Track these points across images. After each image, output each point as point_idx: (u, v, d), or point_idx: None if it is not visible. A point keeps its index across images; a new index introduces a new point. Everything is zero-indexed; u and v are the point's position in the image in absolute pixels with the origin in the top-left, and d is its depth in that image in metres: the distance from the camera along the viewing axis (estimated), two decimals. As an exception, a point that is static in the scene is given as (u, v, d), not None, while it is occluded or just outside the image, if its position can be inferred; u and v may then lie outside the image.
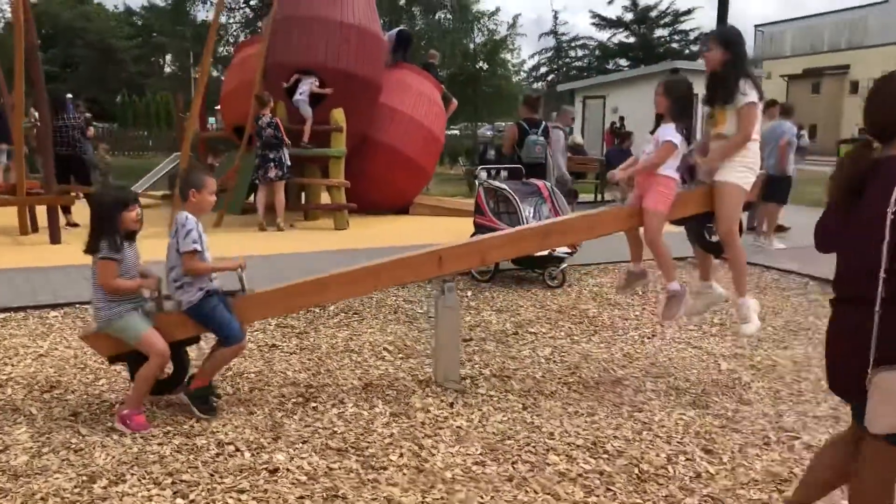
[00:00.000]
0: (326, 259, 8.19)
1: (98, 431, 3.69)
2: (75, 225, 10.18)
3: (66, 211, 10.23)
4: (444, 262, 4.18)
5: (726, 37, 4.27)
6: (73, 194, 10.25)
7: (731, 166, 4.21)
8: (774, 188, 9.34)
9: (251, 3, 22.53)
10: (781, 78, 47.07)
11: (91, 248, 3.78)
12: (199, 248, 3.83)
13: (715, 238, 4.47)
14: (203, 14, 26.12)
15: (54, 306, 6.06)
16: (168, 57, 56.94)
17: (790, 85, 50.16)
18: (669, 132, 4.21)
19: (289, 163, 10.28)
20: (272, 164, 10.11)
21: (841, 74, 50.86)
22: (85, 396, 4.18)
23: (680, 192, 4.28)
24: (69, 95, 12.11)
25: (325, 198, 12.02)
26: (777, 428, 3.89)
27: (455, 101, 14.01)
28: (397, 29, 12.58)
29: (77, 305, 6.06)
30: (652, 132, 4.39)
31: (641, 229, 4.36)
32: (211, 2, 24.46)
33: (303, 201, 12.03)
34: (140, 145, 27.23)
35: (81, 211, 10.30)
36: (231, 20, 23.55)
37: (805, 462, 3.49)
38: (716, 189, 4.25)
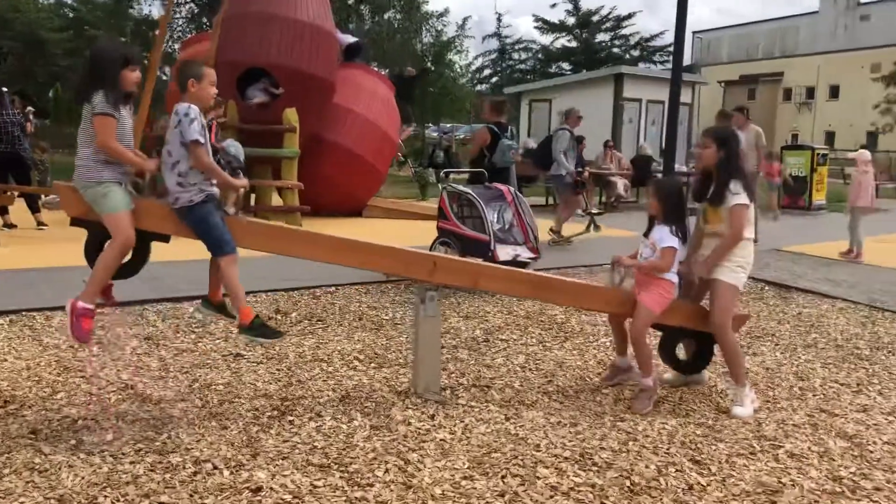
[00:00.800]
0: (280, 263, 7.98)
1: (62, 450, 3.48)
2: (13, 226, 9.73)
3: (4, 211, 9.78)
4: (436, 270, 4.09)
5: (722, 136, 4.30)
6: (9, 194, 9.80)
7: (726, 266, 4.26)
8: None
9: (195, -2, 22.04)
10: (719, 84, 48.21)
11: (83, 97, 3.54)
12: (203, 140, 3.65)
13: (684, 357, 4.65)
14: (146, 9, 25.45)
15: (-1, 313, 5.74)
16: (102, 51, 55.30)
17: (727, 90, 51.44)
18: (667, 236, 4.25)
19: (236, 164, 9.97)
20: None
21: (775, 81, 52.40)
22: (43, 412, 3.94)
23: (675, 300, 4.34)
24: (5, 89, 11.60)
25: (275, 199, 11.77)
26: (759, 437, 3.90)
27: (410, 129, 13.92)
28: (350, 40, 12.37)
29: (24, 313, 5.76)
30: (645, 234, 4.45)
31: (628, 321, 4.42)
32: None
33: (252, 203, 11.76)
34: (74, 143, 26.23)
35: (19, 213, 9.88)
36: (177, 15, 22.97)
37: (792, 471, 3.50)
38: (711, 285, 4.30)
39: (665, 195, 4.37)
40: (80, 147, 3.62)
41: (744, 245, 4.27)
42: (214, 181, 3.83)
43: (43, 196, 10.68)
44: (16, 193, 9.85)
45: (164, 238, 3.96)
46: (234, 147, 9.85)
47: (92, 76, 3.60)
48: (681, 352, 4.72)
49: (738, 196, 4.19)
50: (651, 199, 4.47)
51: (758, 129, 10.37)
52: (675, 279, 4.33)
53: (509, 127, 8.67)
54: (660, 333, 4.69)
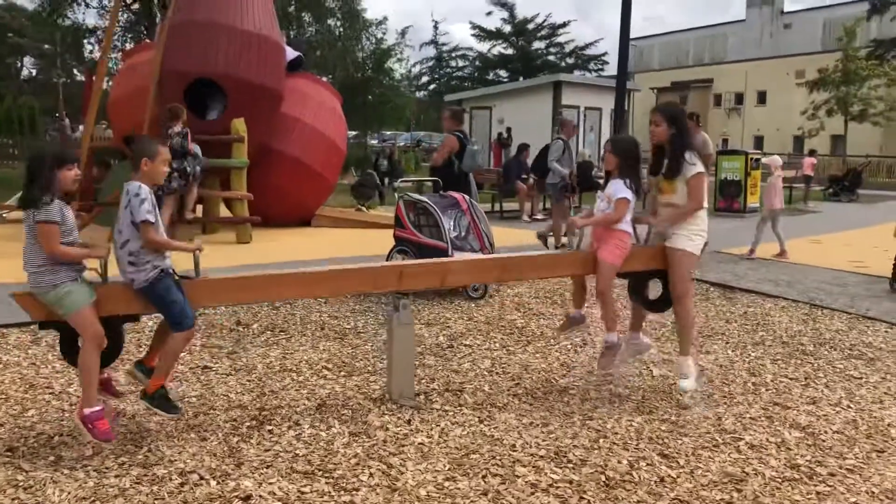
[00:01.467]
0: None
1: (42, 467, 3.46)
2: (-48, 241, 9.43)
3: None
4: (404, 278, 4.18)
5: (672, 113, 4.49)
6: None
7: (683, 234, 4.47)
8: None
9: (132, 6, 21.58)
10: (651, 90, 49.40)
11: (27, 203, 3.50)
12: (153, 220, 3.65)
13: (653, 296, 4.78)
14: (79, 17, 24.84)
15: (-48, 331, 5.61)
16: (26, 60, 53.70)
17: (659, 97, 52.67)
18: (621, 188, 4.43)
19: (191, 170, 9.94)
20: (176, 173, 9.74)
21: (705, 87, 53.94)
22: (16, 430, 3.90)
23: (633, 248, 4.52)
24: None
25: (222, 210, 11.69)
26: (720, 430, 4.11)
27: None
28: (292, 55, 12.34)
29: (-21, 330, 5.64)
30: (602, 189, 4.63)
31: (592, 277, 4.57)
32: (86, 4, 23.28)
33: (199, 214, 11.64)
34: (3, 154, 25.47)
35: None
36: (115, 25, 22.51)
37: (754, 461, 3.71)
38: (669, 254, 4.50)
39: (621, 150, 4.55)
40: (27, 252, 3.56)
41: (700, 213, 4.48)
42: (168, 253, 3.80)
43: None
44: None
45: (135, 318, 3.91)
46: (198, 151, 9.93)
47: (30, 183, 3.55)
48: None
49: (694, 166, 4.40)
50: (607, 155, 4.62)
51: (705, 135, 10.75)
52: (630, 229, 4.50)
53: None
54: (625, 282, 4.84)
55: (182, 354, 5.16)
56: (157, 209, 3.72)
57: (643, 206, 5.40)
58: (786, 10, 56.43)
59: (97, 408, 3.60)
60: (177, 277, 3.80)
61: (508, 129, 22.95)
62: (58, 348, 5.21)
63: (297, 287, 4.22)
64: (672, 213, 4.49)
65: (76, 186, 3.66)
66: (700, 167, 4.41)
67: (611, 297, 4.49)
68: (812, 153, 22.02)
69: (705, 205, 4.50)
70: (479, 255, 7.35)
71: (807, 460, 3.75)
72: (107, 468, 3.46)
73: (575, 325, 4.86)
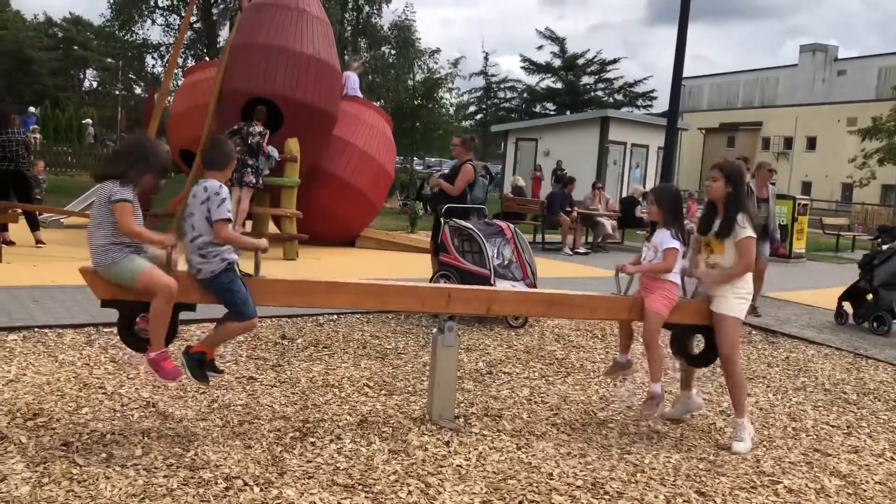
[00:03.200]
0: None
1: (95, 462, 3.59)
2: (11, 243, 9.78)
3: (3, 228, 9.83)
4: (451, 301, 4.28)
5: (731, 172, 4.51)
6: (12, 212, 9.86)
7: (729, 298, 4.48)
8: None
9: (195, 25, 22.26)
10: (699, 130, 49.17)
11: (109, 176, 3.72)
12: (231, 218, 3.83)
13: (696, 351, 4.82)
14: (146, 32, 25.64)
15: (10, 329, 5.82)
16: (89, 72, 55.44)
17: (707, 137, 52.44)
18: (668, 239, 4.50)
19: (266, 172, 10.46)
20: (249, 169, 10.23)
21: (754, 130, 53.51)
22: (71, 426, 4.05)
23: (680, 300, 4.57)
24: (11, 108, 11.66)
25: (270, 226, 11.94)
26: (759, 472, 4.10)
27: None
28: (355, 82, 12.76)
29: (36, 329, 5.85)
30: (648, 239, 4.71)
31: (639, 324, 4.65)
32: (152, 20, 24.07)
33: (249, 230, 11.90)
34: (62, 161, 26.24)
35: (18, 230, 9.94)
36: (174, 40, 23.21)
37: (792, 506, 3.70)
38: (716, 318, 4.52)
39: (665, 200, 4.61)
40: (94, 230, 3.73)
41: (746, 276, 4.50)
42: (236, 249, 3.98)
43: (42, 214, 10.75)
44: (19, 211, 9.90)
45: (191, 307, 4.08)
46: (274, 152, 10.38)
47: (115, 164, 3.79)
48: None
49: (745, 230, 4.42)
50: (651, 206, 4.69)
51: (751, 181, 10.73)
52: (678, 280, 4.54)
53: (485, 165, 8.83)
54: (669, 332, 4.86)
55: (229, 362, 5.32)
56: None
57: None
58: (840, 56, 55.90)
59: (162, 349, 3.80)
60: (240, 274, 3.97)
61: (559, 162, 22.95)
62: (110, 351, 5.45)
63: (349, 296, 4.33)
64: (720, 275, 4.49)
65: (152, 192, 3.86)
66: (751, 231, 4.43)
67: (657, 347, 4.52)
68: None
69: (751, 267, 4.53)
70: (522, 285, 7.43)
71: (846, 508, 3.73)
72: (156, 468, 3.58)
73: (621, 370, 4.88)
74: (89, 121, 32.57)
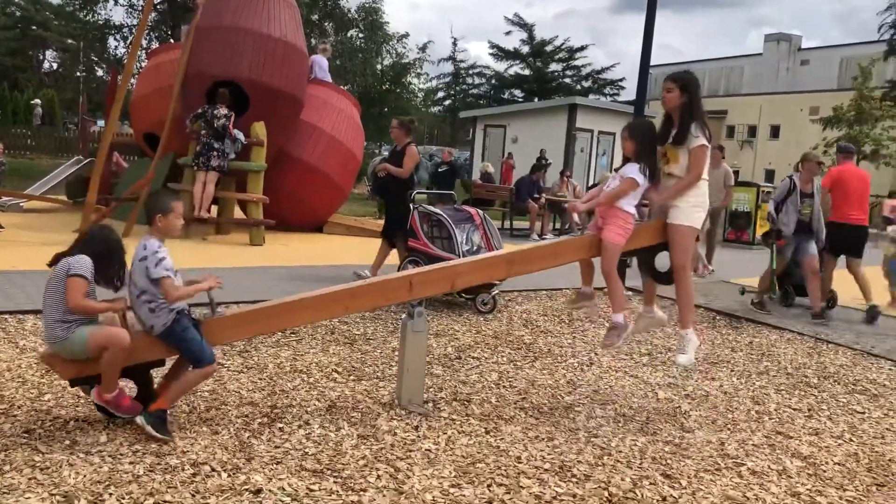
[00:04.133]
0: (251, 275, 8.07)
1: (58, 450, 3.53)
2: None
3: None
4: (414, 287, 4.26)
5: (685, 80, 4.51)
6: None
7: (683, 207, 4.50)
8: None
9: (159, 6, 21.83)
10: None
11: (55, 261, 3.67)
12: (171, 275, 3.77)
13: (663, 269, 4.77)
14: (108, 13, 25.10)
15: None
16: (49, 53, 54.18)
17: (672, 126, 52.69)
18: (634, 170, 4.49)
19: (232, 156, 10.32)
20: (215, 153, 10.10)
21: (719, 119, 54.07)
22: (33, 413, 3.98)
23: (637, 225, 4.57)
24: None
25: (236, 212, 11.82)
26: (723, 455, 4.16)
27: None
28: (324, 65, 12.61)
29: (-4, 314, 5.74)
30: (617, 169, 4.66)
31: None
32: (115, 1, 23.56)
33: (214, 214, 11.76)
34: (21, 145, 25.67)
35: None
36: (137, 21, 22.76)
37: (755, 487, 3.77)
38: (670, 228, 4.54)
39: (638, 135, 4.57)
40: (46, 306, 3.69)
41: (700, 185, 4.51)
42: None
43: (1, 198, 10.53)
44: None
45: (160, 363, 4.05)
46: (240, 135, 10.25)
47: (85, 250, 3.74)
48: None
49: (698, 138, 4.41)
50: (624, 141, 4.63)
51: (728, 168, 10.99)
52: (633, 211, 4.52)
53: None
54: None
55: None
56: (171, 265, 3.81)
57: None
58: (803, 46, 56.67)
59: (116, 391, 3.75)
60: (193, 317, 3.92)
61: (542, 151, 22.91)
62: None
63: (311, 311, 4.25)
64: (672, 188, 4.50)
65: (118, 283, 3.88)
66: (703, 140, 4.41)
67: (616, 278, 4.54)
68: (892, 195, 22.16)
69: (705, 177, 4.51)
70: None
71: (807, 489, 3.80)
72: (121, 454, 3.53)
73: (584, 300, 4.87)
74: (38, 101, 31.87)
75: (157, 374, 4.22)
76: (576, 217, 15.33)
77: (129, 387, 4.06)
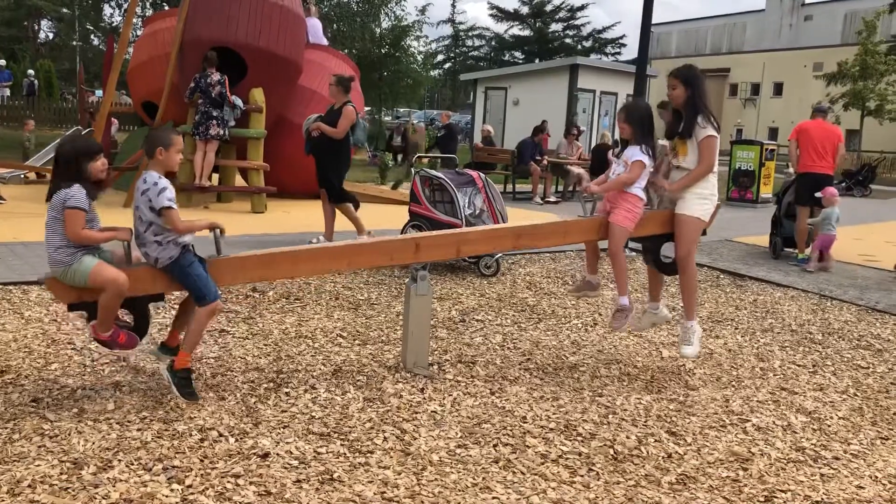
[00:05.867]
0: (253, 244, 8.05)
1: (66, 418, 3.56)
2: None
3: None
4: (420, 250, 4.25)
5: (687, 76, 4.52)
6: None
7: (691, 198, 4.51)
8: None
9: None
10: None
11: (55, 189, 3.64)
12: (174, 206, 3.75)
13: (668, 259, 4.76)
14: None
15: (-27, 286, 5.71)
16: (44, 23, 53.69)
17: (675, 85, 52.17)
18: (637, 152, 4.48)
19: (232, 123, 10.21)
20: (214, 121, 9.99)
21: (722, 77, 53.56)
22: (41, 382, 4.01)
23: (645, 213, 4.56)
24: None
25: (237, 179, 11.78)
26: (728, 411, 4.18)
27: None
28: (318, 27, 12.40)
29: (0, 287, 5.74)
30: (618, 155, 4.67)
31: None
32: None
33: (215, 182, 11.72)
34: (18, 115, 25.52)
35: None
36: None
37: (760, 442, 3.79)
38: (677, 219, 4.55)
39: (635, 118, 4.57)
40: (48, 234, 3.66)
41: (709, 177, 4.53)
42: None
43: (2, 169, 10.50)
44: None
45: (160, 297, 4.03)
46: (238, 101, 10.11)
47: (62, 172, 3.68)
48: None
49: (706, 129, 4.43)
50: (621, 124, 4.64)
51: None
52: (643, 195, 4.55)
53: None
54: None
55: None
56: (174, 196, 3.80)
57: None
58: (807, 1, 55.91)
59: (111, 332, 3.76)
60: (200, 256, 3.90)
61: (544, 122, 22.62)
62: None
63: (316, 262, 4.26)
64: (682, 179, 4.52)
65: (104, 175, 3.75)
66: (711, 130, 4.43)
67: (622, 260, 4.55)
68: None
69: (716, 169, 4.52)
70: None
71: (812, 444, 3.82)
72: (129, 421, 3.55)
73: (588, 289, 4.89)
74: (31, 72, 31.61)
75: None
76: (584, 182, 15.29)
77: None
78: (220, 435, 3.48)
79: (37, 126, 24.41)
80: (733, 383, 4.67)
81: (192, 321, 3.93)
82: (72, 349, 4.54)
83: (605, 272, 5.89)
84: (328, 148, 7.94)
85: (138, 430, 3.48)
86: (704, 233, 4.73)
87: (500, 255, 7.38)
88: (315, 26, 13.15)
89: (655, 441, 3.73)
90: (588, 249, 4.91)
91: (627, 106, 4.73)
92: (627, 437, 3.74)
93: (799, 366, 5.10)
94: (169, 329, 4.27)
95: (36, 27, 54.13)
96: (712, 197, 4.58)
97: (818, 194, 8.77)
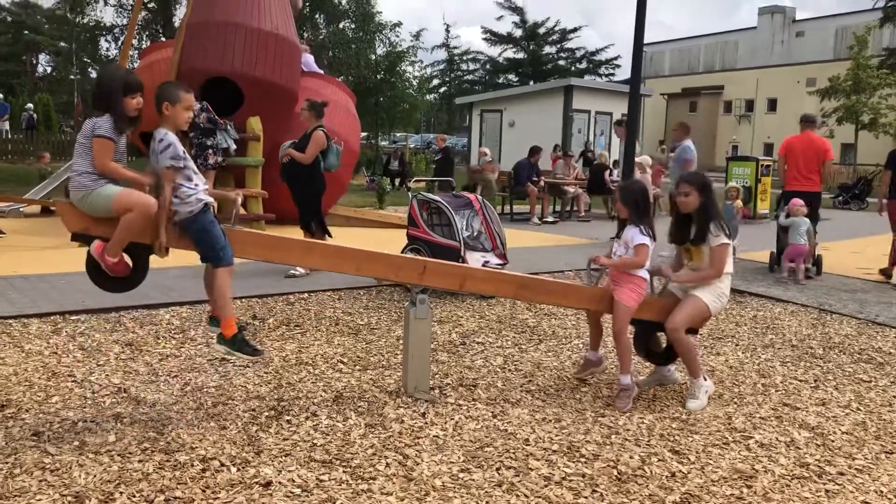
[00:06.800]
0: (253, 268, 8.06)
1: (67, 451, 3.54)
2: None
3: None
4: (426, 274, 4.27)
5: (702, 183, 4.59)
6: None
7: (710, 288, 4.56)
8: None
9: (150, 4, 21.75)
10: (661, 96, 49.37)
11: (89, 115, 3.70)
12: (179, 165, 3.76)
13: (659, 349, 4.85)
14: (98, 14, 24.98)
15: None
16: (42, 57, 54.10)
17: (669, 103, 52.69)
18: (638, 236, 4.52)
19: (226, 144, 10.19)
20: (210, 150, 9.99)
21: (716, 94, 53.89)
22: (41, 415, 3.99)
23: (648, 296, 4.61)
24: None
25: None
26: (730, 429, 4.17)
27: None
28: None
29: (0, 321, 5.74)
30: (618, 236, 4.73)
31: (608, 317, 4.70)
32: (105, 1, 23.50)
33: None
34: (18, 149, 25.64)
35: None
36: (128, 21, 22.70)
37: (764, 459, 3.77)
38: (689, 294, 4.59)
39: (632, 199, 4.64)
40: (77, 158, 3.71)
41: (725, 279, 4.61)
42: (207, 190, 3.93)
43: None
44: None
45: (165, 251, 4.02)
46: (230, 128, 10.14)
47: (97, 100, 3.73)
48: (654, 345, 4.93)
49: (719, 237, 4.51)
50: (618, 204, 4.75)
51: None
52: (647, 276, 4.60)
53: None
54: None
55: (200, 344, 5.27)
56: (184, 153, 3.84)
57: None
58: (797, 18, 56.40)
59: (118, 258, 3.79)
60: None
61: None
62: (78, 339, 5.37)
63: (323, 258, 4.28)
64: (694, 275, 4.61)
65: (137, 114, 3.79)
66: (724, 238, 4.51)
67: (626, 339, 4.57)
68: None
69: (728, 271, 4.59)
70: (493, 256, 7.45)
71: (816, 460, 3.81)
72: (130, 453, 3.54)
73: (592, 367, 4.91)
74: (30, 106, 31.82)
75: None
76: (582, 207, 15.36)
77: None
78: (222, 464, 3.47)
79: (36, 160, 24.57)
80: (735, 400, 4.66)
81: (214, 286, 3.94)
82: (72, 381, 4.53)
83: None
84: (299, 174, 7.92)
85: (139, 461, 3.46)
86: (696, 332, 4.75)
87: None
88: (308, 61, 13.23)
89: (659, 460, 3.72)
90: (591, 325, 4.95)
91: (622, 187, 4.88)
92: (631, 457, 3.73)
93: (801, 381, 5.09)
94: (209, 307, 4.27)
95: (34, 61, 54.55)
96: (723, 297, 4.63)
97: (785, 207, 8.97)
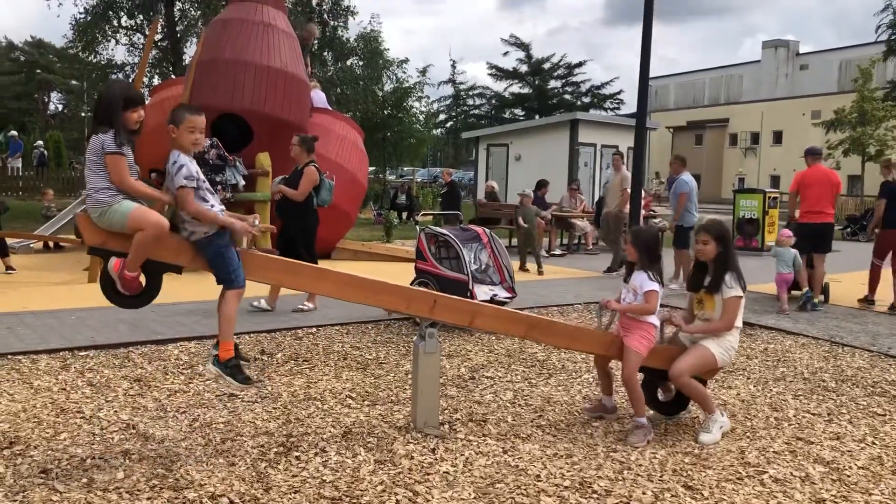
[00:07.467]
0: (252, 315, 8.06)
1: (75, 488, 3.52)
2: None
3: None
4: (436, 308, 4.27)
5: (721, 233, 4.63)
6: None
7: (717, 340, 4.57)
8: (684, 236, 10.38)
9: (160, 43, 22.08)
10: (667, 129, 49.58)
11: (93, 132, 3.73)
12: (193, 185, 3.77)
13: (664, 398, 4.90)
14: (110, 52, 25.33)
15: (-18, 357, 5.72)
16: (54, 95, 54.84)
17: (675, 135, 52.90)
18: (647, 281, 4.53)
19: (235, 181, 10.20)
20: (220, 186, 10.03)
21: (721, 127, 54.11)
22: (50, 452, 3.97)
23: (657, 345, 4.62)
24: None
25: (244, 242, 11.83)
26: (744, 463, 4.12)
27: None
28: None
29: (9, 357, 5.75)
30: (626, 280, 4.73)
31: (615, 363, 4.77)
32: (116, 41, 23.86)
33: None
34: (29, 186, 25.86)
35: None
36: (139, 60, 23.02)
37: (778, 495, 3.72)
38: (698, 343, 4.60)
39: (643, 243, 4.65)
40: (89, 176, 3.74)
41: (733, 332, 4.61)
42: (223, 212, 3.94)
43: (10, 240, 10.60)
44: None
45: (177, 269, 4.03)
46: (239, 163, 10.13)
47: (98, 116, 3.78)
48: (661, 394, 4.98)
49: (733, 289, 4.52)
50: (629, 247, 4.75)
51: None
52: (657, 323, 4.59)
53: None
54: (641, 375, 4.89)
55: (209, 380, 5.26)
56: (200, 175, 3.85)
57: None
58: (801, 51, 56.80)
59: (133, 273, 3.78)
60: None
61: (544, 181, 22.71)
62: (87, 375, 5.37)
63: (337, 286, 4.28)
64: (703, 326, 4.62)
65: (138, 128, 3.82)
66: (738, 291, 4.52)
67: (637, 384, 4.55)
68: None
69: (738, 325, 4.61)
70: (501, 289, 7.44)
71: (832, 495, 3.75)
72: (139, 490, 3.52)
73: (605, 412, 4.87)
74: (40, 143, 32.13)
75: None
76: (590, 239, 15.36)
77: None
78: (231, 502, 3.44)
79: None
80: (748, 434, 4.61)
81: (223, 311, 3.94)
82: (81, 418, 4.52)
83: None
84: (291, 210, 7.83)
85: (148, 499, 3.44)
86: (704, 383, 4.71)
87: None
88: (319, 98, 13.34)
89: (672, 496, 3.67)
90: (599, 372, 4.95)
91: (634, 231, 4.89)
92: (644, 493, 3.68)
93: (814, 414, 5.04)
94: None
95: (46, 99, 55.26)
96: (731, 350, 4.64)
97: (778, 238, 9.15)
